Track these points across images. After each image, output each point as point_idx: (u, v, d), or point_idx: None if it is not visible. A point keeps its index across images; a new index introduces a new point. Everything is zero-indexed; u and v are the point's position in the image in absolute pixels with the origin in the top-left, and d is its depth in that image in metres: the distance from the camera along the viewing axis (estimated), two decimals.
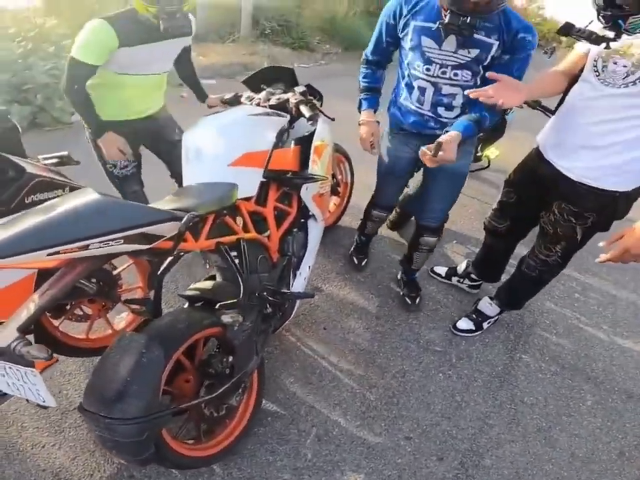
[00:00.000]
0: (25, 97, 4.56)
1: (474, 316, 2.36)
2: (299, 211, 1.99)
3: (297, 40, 9.44)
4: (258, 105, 1.99)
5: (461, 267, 2.66)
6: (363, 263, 2.71)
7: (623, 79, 1.50)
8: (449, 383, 2.07)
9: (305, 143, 1.98)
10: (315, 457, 1.70)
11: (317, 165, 2.00)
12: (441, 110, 1.91)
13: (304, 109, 1.86)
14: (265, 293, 1.62)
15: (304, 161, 1.95)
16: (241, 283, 1.48)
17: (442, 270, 2.73)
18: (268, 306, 1.68)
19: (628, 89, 1.49)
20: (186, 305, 1.55)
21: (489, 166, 2.94)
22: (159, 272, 1.38)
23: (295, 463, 1.68)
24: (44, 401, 1.06)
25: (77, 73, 1.94)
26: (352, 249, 2.77)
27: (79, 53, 1.89)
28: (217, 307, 1.43)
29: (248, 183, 1.67)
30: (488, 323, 2.36)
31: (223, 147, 1.65)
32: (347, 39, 10.31)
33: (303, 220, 2.05)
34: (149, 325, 1.33)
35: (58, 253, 0.97)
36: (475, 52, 1.71)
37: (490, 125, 1.78)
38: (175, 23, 1.93)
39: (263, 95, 2.04)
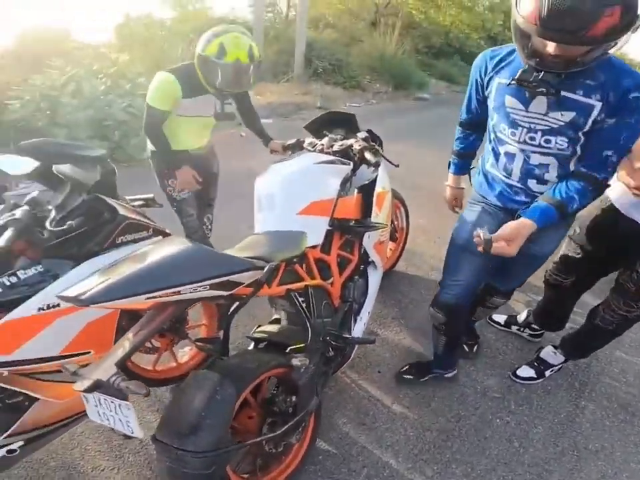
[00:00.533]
0: (105, 133, 4.89)
1: (536, 364, 2.30)
2: (359, 257, 2.06)
3: (348, 79, 9.69)
4: (321, 151, 2.07)
5: (522, 316, 2.59)
6: (475, 349, 2.44)
7: None
8: (507, 429, 2.03)
9: (367, 190, 2.06)
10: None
11: (379, 214, 2.08)
12: (531, 183, 1.63)
13: (368, 156, 1.95)
14: (328, 338, 1.70)
15: (366, 208, 2.03)
16: (309, 328, 1.58)
17: (501, 318, 2.66)
18: (330, 350, 1.75)
19: None
20: (251, 346, 1.66)
21: None
22: (229, 313, 1.49)
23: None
24: (132, 432, 1.16)
25: (153, 117, 2.26)
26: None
27: (153, 101, 2.23)
28: (287, 350, 1.53)
29: (315, 231, 1.75)
30: (551, 371, 2.29)
31: (292, 196, 1.75)
32: (396, 78, 10.47)
33: (362, 266, 2.11)
34: (221, 363, 1.43)
35: (155, 297, 1.09)
36: (569, 115, 1.42)
37: (578, 210, 1.54)
38: (225, 109, 2.42)
39: (325, 141, 2.13)
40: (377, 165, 2.00)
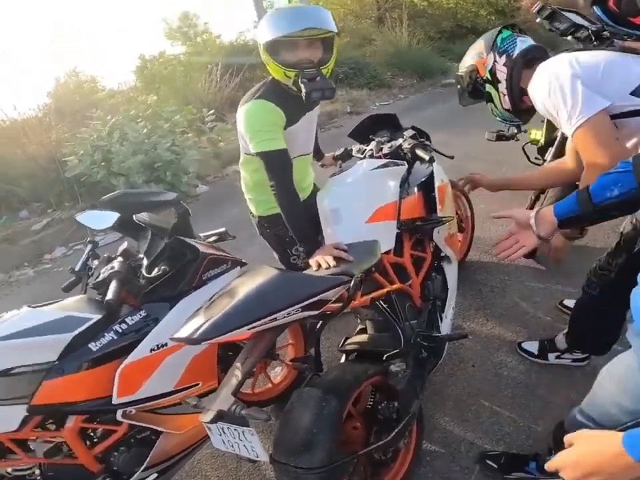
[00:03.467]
0: (157, 175, 5.14)
1: (545, 342, 2.19)
2: (432, 254, 2.07)
3: (371, 79, 9.68)
4: (371, 156, 2.10)
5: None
6: None
7: None
8: None
9: (426, 186, 2.06)
10: None
11: (443, 207, 2.07)
12: None
13: (420, 153, 1.96)
14: (419, 339, 1.71)
15: (429, 204, 2.04)
16: (401, 333, 1.60)
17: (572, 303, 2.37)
18: (423, 351, 1.76)
19: None
20: (342, 359, 1.70)
21: None
22: (317, 329, 1.53)
23: None
24: (257, 456, 1.23)
25: (281, 163, 1.77)
26: None
27: (269, 144, 1.73)
28: (384, 357, 1.55)
29: (385, 236, 1.77)
30: (557, 358, 2.15)
31: (357, 206, 1.78)
32: (417, 68, 10.37)
33: (437, 263, 2.11)
34: (320, 379, 1.48)
35: (254, 327, 1.16)
36: None
37: None
38: (316, 85, 1.74)
39: (373, 145, 2.15)
40: (431, 160, 1.99)
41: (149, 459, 1.51)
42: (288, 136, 1.81)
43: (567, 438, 0.82)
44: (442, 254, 2.12)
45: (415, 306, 1.86)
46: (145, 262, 1.59)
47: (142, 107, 6.28)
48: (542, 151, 3.07)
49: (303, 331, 2.14)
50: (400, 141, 2.09)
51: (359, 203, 1.80)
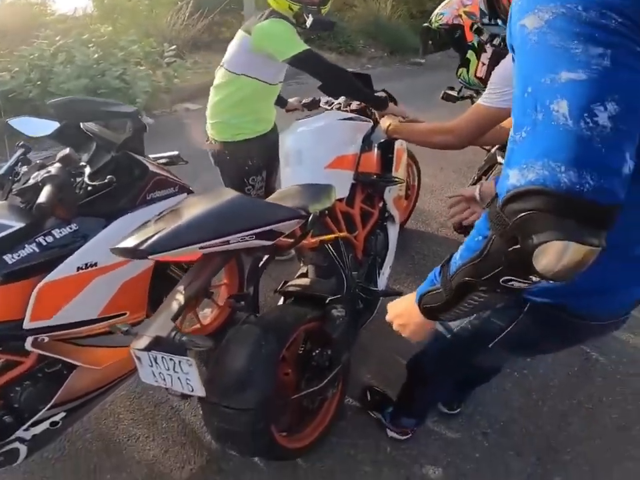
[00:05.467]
0: None
1: None
2: (380, 212, 2.06)
3: (343, 44, 9.45)
4: (339, 109, 2.06)
5: None
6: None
7: None
8: (525, 382, 2.05)
9: (387, 146, 2.05)
10: (394, 451, 1.73)
11: (398, 169, 2.07)
12: None
13: None
14: (357, 290, 1.69)
15: (386, 163, 2.03)
16: (344, 279, 1.57)
17: None
18: (359, 302, 1.74)
19: None
20: (280, 302, 1.62)
21: None
22: (259, 268, 1.46)
23: (376, 456, 1.71)
24: (192, 390, 1.12)
25: (319, 59, 1.90)
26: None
27: (303, 46, 1.82)
28: (327, 301, 1.49)
29: (341, 184, 1.75)
30: None
31: (319, 150, 1.74)
32: (391, 43, 10.20)
33: (382, 221, 2.11)
34: (258, 320, 1.40)
35: (206, 247, 1.06)
36: None
37: None
38: (319, 18, 1.93)
39: (342, 100, 2.11)
40: None
41: (57, 396, 1.32)
42: (283, 65, 1.93)
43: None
44: (387, 214, 2.12)
45: (356, 258, 1.86)
46: (88, 170, 1.40)
47: (96, 34, 5.77)
48: None
49: (239, 270, 2.05)
50: None
51: (321, 147, 1.77)
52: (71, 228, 1.27)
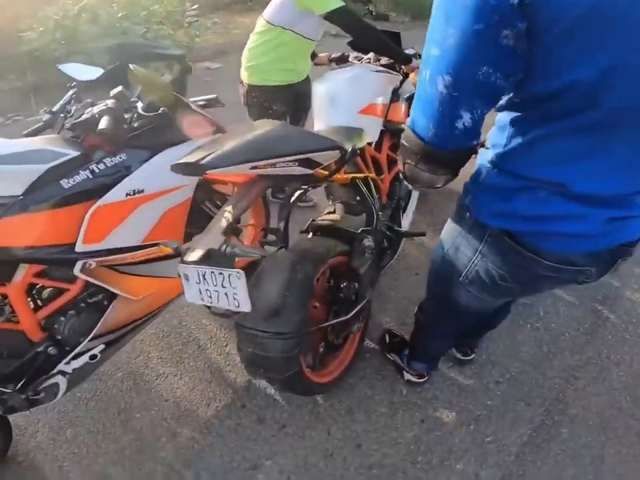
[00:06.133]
0: None
1: None
2: None
3: (364, 9, 9.31)
4: (368, 64, 2.10)
5: None
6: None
7: None
8: (537, 335, 2.09)
9: (412, 100, 2.05)
10: (410, 393, 1.78)
11: None
12: None
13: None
14: (383, 228, 1.75)
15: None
16: (374, 215, 1.61)
17: None
18: (385, 241, 1.80)
19: None
20: (310, 236, 1.67)
21: None
22: (290, 203, 1.48)
23: (391, 397, 1.77)
24: (238, 305, 1.12)
25: (353, 16, 2.02)
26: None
27: (340, 2, 1.92)
28: (359, 231, 1.55)
29: (372, 129, 1.82)
30: None
31: (354, 96, 1.78)
32: (411, 9, 10.02)
33: None
34: (292, 247, 1.44)
35: (256, 167, 1.10)
36: None
37: None
38: None
39: (371, 55, 2.16)
40: None
41: (98, 326, 1.36)
42: (321, 21, 2.02)
43: None
44: None
45: (381, 200, 1.92)
46: (140, 105, 1.45)
47: None
48: None
49: (265, 212, 2.08)
50: None
51: (355, 93, 1.81)
52: (120, 158, 1.32)
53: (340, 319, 1.45)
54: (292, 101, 2.35)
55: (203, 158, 1.04)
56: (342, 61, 2.35)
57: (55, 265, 1.27)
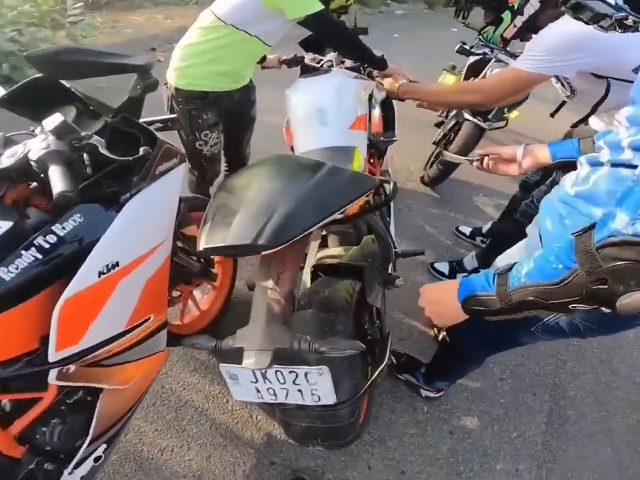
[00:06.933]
0: None
1: (454, 263, 2.33)
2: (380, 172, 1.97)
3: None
4: (330, 67, 1.86)
5: (486, 227, 2.60)
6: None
7: None
8: None
9: (387, 105, 1.97)
10: (431, 409, 1.72)
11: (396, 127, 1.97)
12: None
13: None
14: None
15: (389, 122, 1.95)
16: (391, 242, 1.47)
17: (467, 229, 2.68)
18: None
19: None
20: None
21: (506, 125, 2.97)
22: None
23: (416, 417, 1.69)
24: (318, 400, 0.93)
25: (333, 21, 1.71)
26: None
27: (319, 5, 1.59)
28: (389, 271, 1.42)
29: (362, 145, 1.60)
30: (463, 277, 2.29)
31: (342, 110, 1.56)
32: None
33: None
34: (317, 304, 1.19)
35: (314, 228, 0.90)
36: None
37: None
38: None
39: (332, 57, 1.91)
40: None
41: (93, 427, 1.05)
42: (284, 25, 1.71)
43: None
44: (386, 172, 2.05)
45: None
46: (97, 140, 0.97)
47: None
48: None
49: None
50: None
51: (343, 105, 1.58)
52: (74, 220, 0.90)
53: (383, 368, 1.24)
54: (229, 111, 1.94)
55: (258, 235, 0.81)
56: (294, 63, 2.08)
57: (23, 380, 0.94)
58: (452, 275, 2.31)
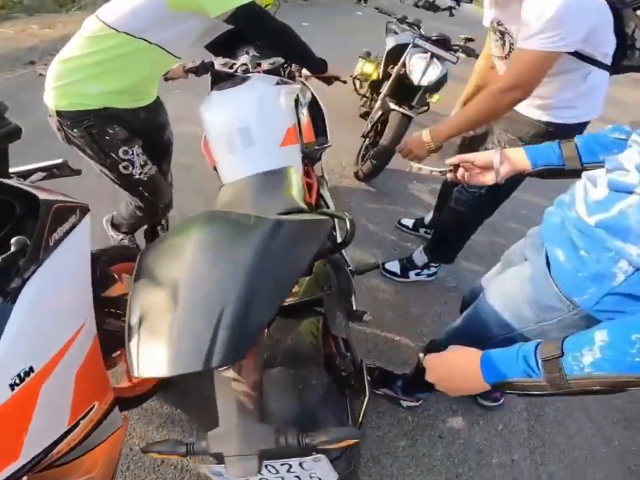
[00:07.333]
0: None
1: (404, 261, 2.26)
2: (316, 180, 1.79)
3: None
4: (247, 71, 1.62)
5: (428, 217, 2.56)
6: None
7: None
8: None
9: (314, 107, 1.78)
10: (415, 417, 1.67)
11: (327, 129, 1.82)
12: None
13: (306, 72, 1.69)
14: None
15: (320, 126, 1.77)
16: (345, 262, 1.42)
17: (409, 222, 2.62)
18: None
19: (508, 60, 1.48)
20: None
21: (428, 109, 2.95)
22: None
23: (402, 428, 1.62)
24: None
25: (267, 14, 1.43)
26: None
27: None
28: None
29: (296, 162, 1.43)
30: (417, 275, 2.24)
31: (269, 126, 1.37)
32: None
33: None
34: (279, 354, 1.06)
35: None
36: None
37: None
38: None
39: (246, 59, 1.66)
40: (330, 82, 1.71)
41: None
42: (193, 30, 1.47)
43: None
44: (322, 179, 1.89)
45: None
46: None
47: None
48: (375, 85, 3.00)
49: None
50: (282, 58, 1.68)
51: (269, 120, 1.39)
52: None
53: (366, 405, 1.11)
54: (136, 131, 1.60)
55: (209, 354, 0.62)
56: (202, 70, 1.78)
57: None
58: (404, 274, 2.24)
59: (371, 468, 1.50)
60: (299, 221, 0.87)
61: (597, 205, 0.81)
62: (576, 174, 1.00)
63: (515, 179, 1.64)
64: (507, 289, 1.07)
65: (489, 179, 1.08)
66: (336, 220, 1.03)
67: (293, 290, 1.27)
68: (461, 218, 1.93)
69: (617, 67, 1.46)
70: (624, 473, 1.63)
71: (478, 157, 1.08)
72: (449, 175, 1.15)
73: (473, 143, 1.94)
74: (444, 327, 1.91)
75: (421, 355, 0.94)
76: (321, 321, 1.17)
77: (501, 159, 1.05)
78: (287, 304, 1.20)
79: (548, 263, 0.91)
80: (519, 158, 1.05)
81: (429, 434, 1.62)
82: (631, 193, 0.75)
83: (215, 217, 0.85)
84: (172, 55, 1.50)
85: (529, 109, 1.57)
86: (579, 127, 1.57)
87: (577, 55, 1.38)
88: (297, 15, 6.41)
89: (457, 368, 0.81)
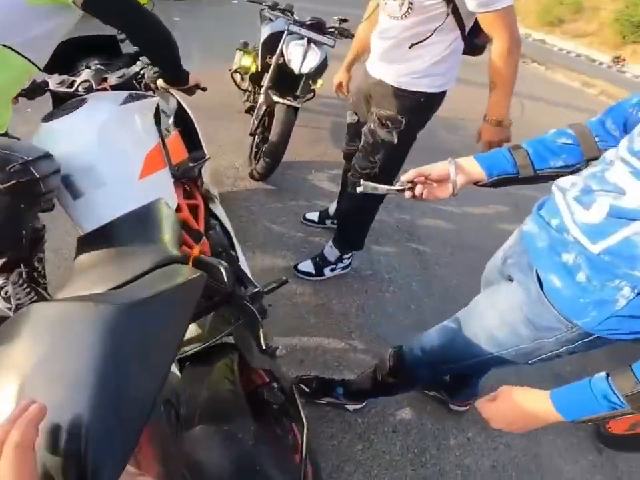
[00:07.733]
0: None
1: (317, 259, 2.17)
2: (203, 198, 1.60)
3: None
4: (91, 88, 1.39)
5: (332, 208, 2.48)
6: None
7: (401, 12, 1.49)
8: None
9: (182, 119, 1.59)
10: (365, 418, 1.62)
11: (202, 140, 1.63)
12: None
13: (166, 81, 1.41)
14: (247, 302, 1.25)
15: (193, 140, 1.59)
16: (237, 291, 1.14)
17: (314, 215, 2.51)
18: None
19: (403, 21, 1.49)
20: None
21: (314, 96, 2.84)
22: None
23: (355, 431, 1.58)
24: None
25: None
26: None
27: None
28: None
29: (166, 190, 1.24)
30: (331, 270, 2.17)
31: (122, 157, 1.15)
32: None
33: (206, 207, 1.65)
34: (201, 409, 0.92)
35: None
36: None
37: None
38: None
39: (89, 75, 1.42)
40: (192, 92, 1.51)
41: None
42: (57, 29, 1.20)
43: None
44: (209, 195, 1.71)
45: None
46: None
47: None
48: (256, 78, 2.83)
49: None
50: (135, 68, 1.45)
51: (122, 150, 1.18)
52: None
53: (307, 429, 0.97)
54: None
55: None
56: (36, 92, 1.45)
57: None
58: (319, 272, 2.14)
59: (337, 479, 1.45)
60: (166, 290, 0.69)
61: (595, 229, 0.80)
62: (529, 181, 1.01)
63: (406, 150, 1.74)
64: (501, 309, 1.03)
65: (446, 192, 1.03)
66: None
67: (196, 334, 1.12)
68: (360, 202, 1.89)
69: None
70: None
71: (433, 169, 1.01)
72: (407, 194, 1.05)
73: (358, 128, 1.88)
74: (369, 319, 1.98)
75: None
76: (236, 359, 1.04)
77: (456, 170, 1.00)
78: (192, 351, 1.06)
79: (540, 284, 0.91)
80: (473, 168, 1.01)
81: (382, 431, 1.59)
82: (634, 220, 0.75)
83: (43, 314, 0.64)
84: (35, 65, 1.22)
85: (399, 79, 1.60)
86: (442, 96, 1.66)
87: (457, 14, 1.43)
88: (166, 9, 5.96)
89: (525, 411, 0.84)
